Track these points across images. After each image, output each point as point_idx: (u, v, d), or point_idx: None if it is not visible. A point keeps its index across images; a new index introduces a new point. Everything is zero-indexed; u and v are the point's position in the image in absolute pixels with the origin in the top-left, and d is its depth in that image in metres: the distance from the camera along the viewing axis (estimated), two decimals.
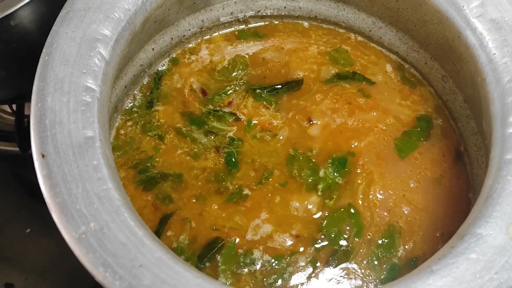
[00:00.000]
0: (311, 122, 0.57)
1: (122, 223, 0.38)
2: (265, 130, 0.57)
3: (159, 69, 0.62)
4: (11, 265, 0.74)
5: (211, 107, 0.58)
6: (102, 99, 0.43)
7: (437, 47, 0.57)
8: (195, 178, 0.54)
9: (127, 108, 0.59)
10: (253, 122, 0.57)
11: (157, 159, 0.55)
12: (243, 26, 0.65)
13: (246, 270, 0.49)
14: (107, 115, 0.45)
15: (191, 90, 0.60)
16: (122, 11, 0.47)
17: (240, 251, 0.50)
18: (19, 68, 0.64)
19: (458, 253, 0.38)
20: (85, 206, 0.38)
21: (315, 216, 0.52)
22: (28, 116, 0.75)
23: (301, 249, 0.50)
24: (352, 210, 0.52)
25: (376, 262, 0.50)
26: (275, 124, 0.57)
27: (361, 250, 0.50)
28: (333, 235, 0.51)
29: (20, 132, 0.74)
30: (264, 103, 0.58)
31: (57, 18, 0.46)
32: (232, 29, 0.65)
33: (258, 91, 0.59)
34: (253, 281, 0.48)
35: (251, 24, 0.65)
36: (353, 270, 0.49)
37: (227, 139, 0.56)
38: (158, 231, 0.51)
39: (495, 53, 0.47)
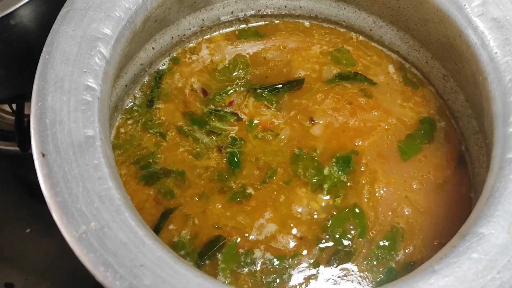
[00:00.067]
0: (313, 122, 0.57)
1: (123, 223, 0.38)
2: (266, 130, 0.57)
3: (160, 68, 0.61)
4: (11, 265, 0.74)
5: (212, 107, 0.58)
6: (103, 98, 0.43)
7: (438, 46, 0.57)
8: (198, 176, 0.54)
9: (127, 107, 0.58)
10: (254, 122, 0.57)
11: (158, 155, 0.55)
12: (243, 26, 0.65)
13: (246, 269, 0.49)
14: (107, 114, 0.45)
15: (192, 90, 0.60)
16: (123, 10, 0.47)
17: (241, 250, 0.50)
18: (19, 67, 0.64)
19: (460, 252, 0.38)
20: (86, 206, 0.38)
21: (320, 216, 0.52)
22: (28, 116, 0.75)
23: (304, 252, 0.50)
24: (357, 210, 0.52)
25: (375, 262, 0.50)
26: (276, 123, 0.57)
27: (363, 250, 0.50)
28: (337, 236, 0.51)
29: (20, 131, 0.74)
30: (265, 102, 0.58)
31: (58, 17, 0.46)
32: (233, 28, 0.65)
33: (259, 90, 0.59)
34: (252, 281, 0.48)
35: (251, 23, 0.65)
36: (353, 271, 0.49)
37: (229, 139, 0.56)
38: (159, 225, 0.51)
39: (496, 52, 0.47)
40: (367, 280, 0.49)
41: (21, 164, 0.83)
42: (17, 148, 0.75)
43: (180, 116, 0.58)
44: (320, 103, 0.58)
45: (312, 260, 0.49)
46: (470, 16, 0.49)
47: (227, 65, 0.61)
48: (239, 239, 0.50)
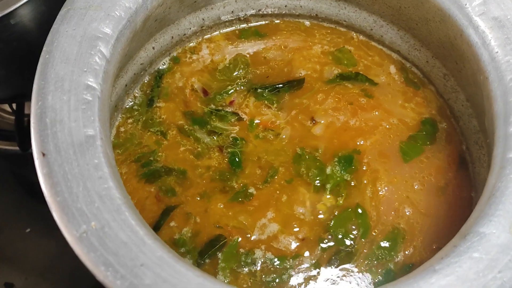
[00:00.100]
0: (314, 121, 0.57)
1: (123, 222, 0.38)
2: (267, 130, 0.57)
3: (160, 68, 0.61)
4: (11, 264, 0.74)
5: (213, 106, 0.58)
6: (103, 98, 0.43)
7: (439, 45, 0.57)
8: (199, 176, 0.54)
9: (127, 106, 0.58)
10: (255, 121, 0.57)
11: (159, 153, 0.55)
12: (244, 25, 0.65)
13: (246, 269, 0.49)
14: (107, 114, 0.45)
15: (193, 89, 0.60)
16: (123, 9, 0.47)
17: (242, 250, 0.50)
18: (19, 67, 0.64)
19: (461, 252, 0.38)
20: (86, 205, 0.38)
21: (322, 216, 0.52)
22: (28, 115, 0.75)
23: (306, 253, 0.50)
24: (360, 210, 0.52)
25: (375, 263, 0.50)
26: (277, 123, 0.57)
27: (364, 251, 0.50)
28: (340, 236, 0.50)
29: (20, 131, 0.74)
30: (266, 102, 0.58)
31: (58, 16, 0.46)
32: (233, 28, 0.65)
33: (259, 90, 0.59)
34: (251, 280, 0.48)
35: (252, 23, 0.65)
36: (353, 272, 0.49)
37: (230, 139, 0.56)
38: (159, 222, 0.51)
39: (497, 51, 0.47)
40: (367, 280, 0.49)
41: (21, 164, 0.83)
42: (17, 148, 0.75)
43: (181, 115, 0.58)
44: (321, 103, 0.58)
45: (313, 261, 0.49)
46: (471, 15, 0.49)
47: (228, 65, 0.61)
48: (240, 239, 0.50)
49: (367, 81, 0.60)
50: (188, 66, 0.62)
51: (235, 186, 0.53)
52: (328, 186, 0.53)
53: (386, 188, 0.53)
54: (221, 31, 0.64)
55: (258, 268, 0.49)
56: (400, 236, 0.51)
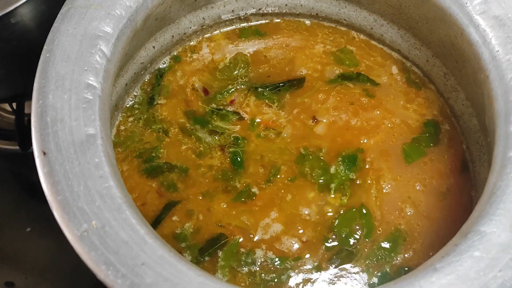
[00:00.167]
0: (316, 120, 0.57)
1: (124, 221, 0.38)
2: (269, 129, 0.57)
3: (160, 67, 0.61)
4: (11, 264, 0.74)
5: (214, 106, 0.58)
6: (104, 97, 0.43)
7: (440, 44, 0.57)
8: (202, 175, 0.54)
9: (128, 105, 0.58)
10: (256, 120, 0.57)
11: (161, 150, 0.55)
12: (244, 24, 0.65)
13: (246, 269, 0.49)
14: (108, 113, 0.45)
15: (193, 89, 0.60)
16: (124, 8, 0.47)
17: (242, 250, 0.49)
18: (19, 66, 0.64)
19: (461, 251, 0.38)
20: (87, 204, 0.38)
21: (327, 216, 0.52)
22: (28, 115, 0.75)
23: (307, 255, 0.50)
24: (364, 210, 0.52)
25: (375, 262, 0.50)
26: (278, 122, 0.57)
27: (365, 250, 0.50)
28: (344, 235, 0.50)
29: (20, 130, 0.74)
30: (267, 101, 0.58)
31: (58, 15, 0.46)
32: (233, 27, 0.65)
33: (259, 89, 0.59)
34: (250, 279, 0.48)
35: (252, 22, 0.65)
36: (354, 272, 0.49)
37: (232, 138, 0.56)
38: (160, 216, 0.51)
39: (498, 50, 0.47)
40: (365, 280, 0.49)
41: (21, 163, 0.83)
42: (17, 147, 0.75)
43: (182, 114, 0.58)
44: (322, 102, 0.58)
45: (315, 264, 0.49)
46: (471, 14, 0.49)
47: (228, 64, 0.61)
48: (241, 239, 0.50)
49: (369, 81, 0.60)
50: (189, 65, 0.62)
51: (238, 186, 0.53)
52: (333, 185, 0.53)
53: (389, 186, 0.53)
54: (221, 30, 0.64)
55: (258, 269, 0.49)
56: (401, 238, 0.51)
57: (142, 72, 0.60)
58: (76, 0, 0.47)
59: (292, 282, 0.48)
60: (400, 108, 0.59)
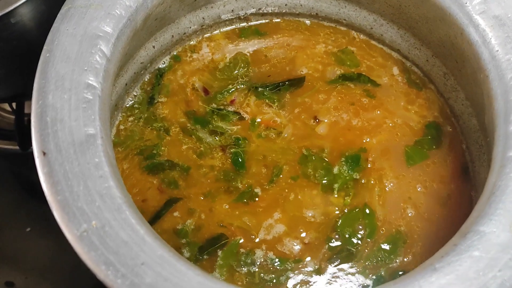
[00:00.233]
0: (317, 120, 0.57)
1: (124, 221, 0.38)
2: (269, 128, 0.57)
3: (160, 66, 0.61)
4: (11, 264, 0.74)
5: (214, 105, 0.58)
6: (103, 97, 0.43)
7: (439, 44, 0.57)
8: (203, 175, 0.54)
9: (127, 105, 0.58)
10: (257, 120, 0.57)
11: (162, 147, 0.55)
12: (244, 24, 0.65)
13: (245, 269, 0.49)
14: (108, 113, 0.45)
15: (193, 89, 0.60)
16: (123, 8, 0.47)
17: (242, 250, 0.49)
18: (19, 66, 0.64)
19: (461, 250, 0.38)
20: (87, 204, 0.38)
21: (330, 216, 0.51)
22: (28, 115, 0.75)
23: (308, 258, 0.49)
24: (367, 210, 0.52)
25: (374, 264, 0.50)
26: (279, 122, 0.57)
27: (366, 251, 0.50)
28: (347, 235, 0.50)
29: (20, 130, 0.74)
30: (267, 101, 0.58)
31: (58, 15, 0.46)
32: (233, 26, 0.65)
33: (260, 89, 0.59)
34: (247, 279, 0.48)
35: (252, 21, 0.65)
36: (354, 272, 0.49)
37: (233, 138, 0.56)
38: (161, 212, 0.51)
39: (498, 50, 0.47)
40: (363, 281, 0.49)
41: (21, 163, 0.83)
42: (17, 147, 0.75)
43: (182, 114, 0.58)
44: (323, 102, 0.58)
45: (316, 266, 0.49)
46: (471, 14, 0.49)
47: (228, 64, 0.61)
48: (242, 240, 0.50)
49: (370, 82, 0.60)
50: (189, 65, 0.62)
51: (240, 187, 0.53)
52: (336, 186, 0.53)
53: (391, 184, 0.53)
54: (221, 30, 0.64)
55: (257, 269, 0.49)
56: (401, 240, 0.51)
57: (142, 72, 0.60)
58: (76, 0, 0.47)
59: (290, 283, 0.48)
60: (401, 109, 0.59)
